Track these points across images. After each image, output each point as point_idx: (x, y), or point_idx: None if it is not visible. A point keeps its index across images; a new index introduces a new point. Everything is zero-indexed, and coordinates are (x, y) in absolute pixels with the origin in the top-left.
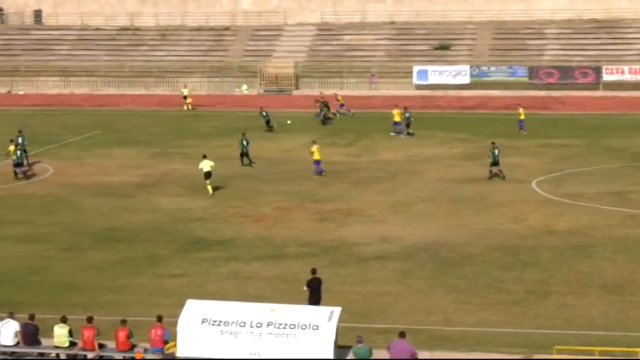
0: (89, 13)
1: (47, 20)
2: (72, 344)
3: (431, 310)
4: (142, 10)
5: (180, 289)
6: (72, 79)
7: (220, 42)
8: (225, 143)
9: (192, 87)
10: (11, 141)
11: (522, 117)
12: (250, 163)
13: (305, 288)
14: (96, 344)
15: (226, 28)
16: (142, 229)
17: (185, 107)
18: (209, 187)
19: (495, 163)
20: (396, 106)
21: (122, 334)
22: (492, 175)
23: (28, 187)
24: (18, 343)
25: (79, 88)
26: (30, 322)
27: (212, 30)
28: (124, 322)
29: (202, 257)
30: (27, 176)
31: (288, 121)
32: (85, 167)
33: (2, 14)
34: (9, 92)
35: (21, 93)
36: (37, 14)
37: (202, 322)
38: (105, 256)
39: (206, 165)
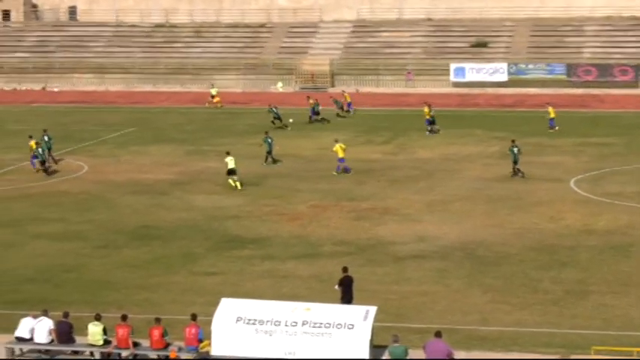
0: (124, 9)
1: (82, 17)
2: (106, 342)
3: (467, 310)
4: (177, 7)
5: (214, 287)
6: (107, 76)
7: (256, 39)
8: (258, 141)
9: (228, 84)
10: (30, 137)
11: (552, 115)
12: (274, 162)
13: (336, 287)
14: (130, 342)
15: (262, 25)
16: (177, 227)
17: (207, 104)
18: (237, 183)
19: (515, 162)
20: (425, 104)
21: (156, 333)
22: (514, 174)
23: (62, 184)
24: (52, 341)
25: (114, 85)
26: (64, 320)
27: (247, 27)
28: (158, 320)
29: (237, 255)
30: (48, 173)
31: (290, 120)
32: (119, 165)
33: (37, 11)
34: (44, 89)
35: (56, 90)
36: (72, 11)
37: (237, 320)
38: (139, 254)
39: (231, 162)
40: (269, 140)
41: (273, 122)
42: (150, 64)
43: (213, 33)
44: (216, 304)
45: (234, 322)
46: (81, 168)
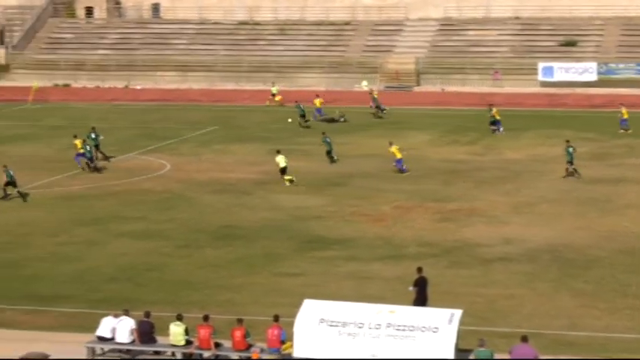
0: (208, 6)
1: (165, 14)
2: (188, 343)
3: (555, 314)
4: (261, 4)
5: (297, 288)
6: (189, 73)
7: (340, 37)
8: (345, 140)
9: (311, 83)
10: (75, 136)
11: (625, 116)
12: (333, 161)
13: (411, 288)
14: (212, 343)
15: (346, 23)
16: (260, 227)
17: (267, 102)
18: (287, 179)
19: (570, 162)
20: (489, 105)
21: (238, 334)
22: (568, 174)
23: (145, 182)
24: (134, 340)
25: (196, 83)
26: (146, 319)
27: (332, 25)
28: (240, 321)
29: (320, 256)
30: (97, 169)
31: (289, 120)
32: (202, 163)
33: (120, 8)
34: (126, 87)
35: (138, 87)
36: (155, 8)
37: (320, 322)
38: (222, 254)
39: (282, 160)
40: (327, 140)
41: (303, 119)
42: (233, 61)
43: (297, 31)
44: (298, 305)
45: (317, 323)
46: (163, 166)
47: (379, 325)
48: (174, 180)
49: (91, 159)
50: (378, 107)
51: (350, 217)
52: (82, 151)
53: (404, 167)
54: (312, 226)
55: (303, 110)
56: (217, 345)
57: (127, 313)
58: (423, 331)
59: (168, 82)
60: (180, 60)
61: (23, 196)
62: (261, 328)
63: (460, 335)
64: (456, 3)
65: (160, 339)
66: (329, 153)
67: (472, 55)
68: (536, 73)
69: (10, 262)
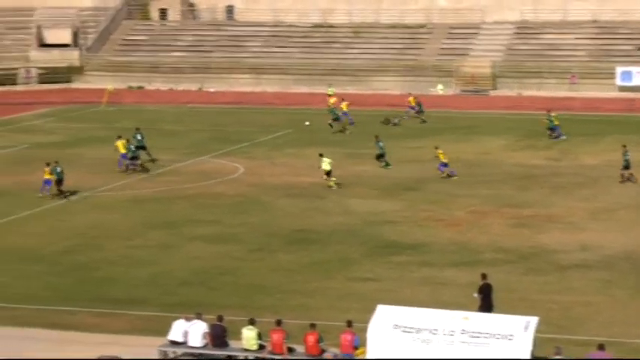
0: (282, 9)
1: (239, 16)
2: (260, 347)
3: (633, 322)
4: (335, 7)
5: (371, 293)
6: (264, 76)
7: (415, 40)
8: (419, 145)
9: (386, 86)
10: (119, 137)
11: None
12: (387, 165)
13: (475, 295)
14: (285, 348)
15: (422, 26)
16: (333, 232)
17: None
18: (331, 182)
19: (626, 167)
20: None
21: (311, 339)
22: (624, 180)
23: (218, 186)
24: (206, 344)
25: (270, 85)
26: (218, 323)
27: (407, 27)
28: (313, 326)
29: (394, 261)
30: (144, 168)
31: (307, 123)
32: (275, 167)
33: (194, 10)
34: (200, 89)
35: (212, 90)
36: (229, 10)
37: (394, 328)
38: (295, 258)
39: (325, 164)
40: (380, 144)
41: (336, 122)
42: (307, 64)
43: (371, 33)
44: (372, 310)
45: (390, 329)
46: (236, 170)
47: (453, 331)
48: (247, 184)
49: (133, 158)
50: (420, 112)
51: (424, 222)
52: (123, 152)
53: (452, 171)
54: (385, 231)
55: (336, 114)
56: (290, 350)
57: (199, 316)
58: (497, 338)
59: (242, 84)
60: (254, 63)
61: (66, 196)
62: (335, 333)
63: (536, 343)
64: (532, 6)
65: (232, 343)
66: (381, 157)
67: (549, 59)
68: (614, 78)
69: (82, 265)
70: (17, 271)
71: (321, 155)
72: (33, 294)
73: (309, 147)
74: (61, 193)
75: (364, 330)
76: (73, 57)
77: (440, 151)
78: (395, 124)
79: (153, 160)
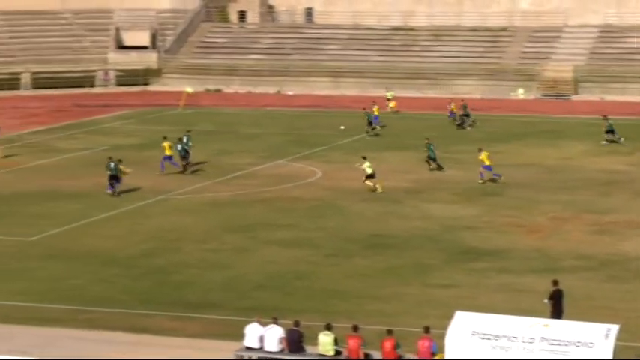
0: (362, 12)
1: (318, 18)
2: (337, 353)
3: None
4: (415, 10)
5: (449, 299)
6: (342, 79)
7: (496, 43)
8: (500, 149)
9: (467, 90)
10: (164, 138)
11: None
12: (439, 168)
13: (546, 300)
14: (361, 354)
15: (503, 29)
16: (411, 237)
17: (388, 108)
18: (378, 186)
19: None
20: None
21: (388, 345)
22: None
23: (295, 190)
24: (282, 349)
25: (349, 89)
26: (295, 328)
27: (488, 31)
28: (390, 332)
29: (472, 268)
30: (187, 166)
31: (342, 127)
32: (353, 171)
33: (273, 12)
34: (278, 92)
35: (290, 93)
36: (308, 12)
37: (472, 334)
38: (372, 263)
39: (368, 167)
40: (431, 146)
41: (370, 127)
42: (386, 68)
43: (452, 37)
44: (450, 317)
45: (468, 336)
46: (314, 174)
47: (532, 338)
48: (324, 188)
49: (184, 157)
50: (465, 115)
51: (504, 228)
52: (168, 154)
53: (495, 174)
54: (464, 237)
55: (370, 117)
56: (367, 356)
57: (275, 321)
58: (577, 346)
59: (320, 87)
60: (332, 66)
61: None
62: (412, 339)
63: (616, 351)
64: (616, 9)
65: (308, 348)
66: (432, 160)
67: (633, 64)
68: None
69: (159, 268)
70: (94, 273)
71: (364, 158)
72: (109, 297)
73: (387, 151)
74: (113, 188)
75: (442, 336)
76: (151, 59)
77: (484, 154)
78: (471, 127)
79: (186, 165)
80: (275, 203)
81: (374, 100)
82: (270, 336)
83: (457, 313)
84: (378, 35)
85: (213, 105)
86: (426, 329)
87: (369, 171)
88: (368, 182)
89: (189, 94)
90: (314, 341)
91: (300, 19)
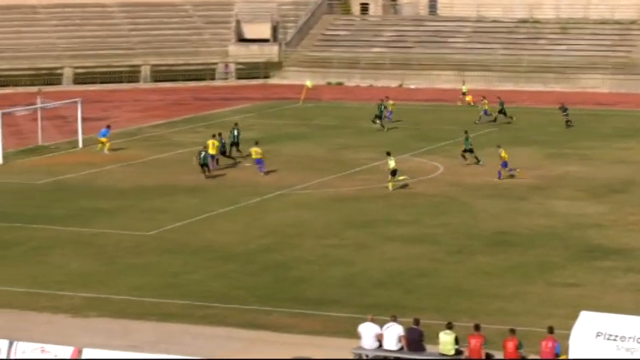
0: (486, 4)
1: (442, 11)
2: (457, 352)
3: None
4: (542, 2)
5: (573, 299)
6: (466, 73)
7: (626, 36)
8: (629, 145)
9: (594, 84)
10: (213, 136)
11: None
12: (477, 161)
13: None
14: (483, 354)
15: (633, 22)
16: (535, 234)
17: (459, 102)
18: (391, 184)
19: None
20: None
21: (511, 345)
22: None
23: (417, 185)
24: (402, 348)
25: (473, 83)
26: (415, 327)
27: (617, 23)
28: (512, 331)
29: (598, 266)
30: (229, 157)
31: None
32: (476, 166)
33: (396, 4)
34: (400, 86)
35: (412, 87)
36: (432, 5)
37: (597, 335)
38: (495, 261)
39: (392, 162)
40: (468, 139)
41: (379, 119)
42: (511, 61)
43: (579, 29)
44: (574, 317)
45: (593, 337)
46: (436, 169)
47: None
48: (447, 183)
49: (224, 152)
50: (502, 112)
51: (632, 226)
52: (212, 153)
53: (512, 169)
54: (590, 235)
55: (381, 111)
56: (488, 356)
57: (395, 319)
58: None
59: (443, 81)
60: (456, 59)
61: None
62: (535, 339)
63: None
64: None
65: (428, 347)
66: (468, 152)
67: None
68: None
69: (278, 264)
70: (211, 269)
71: (388, 154)
72: (227, 292)
73: (513, 146)
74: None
75: (566, 337)
76: (272, 52)
77: (503, 151)
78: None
79: (234, 159)
80: (396, 199)
81: (387, 95)
82: (389, 334)
83: (582, 313)
84: (503, 28)
85: (334, 99)
86: (550, 329)
87: (392, 166)
88: (392, 180)
89: (309, 89)
90: (434, 340)
91: (423, 11)
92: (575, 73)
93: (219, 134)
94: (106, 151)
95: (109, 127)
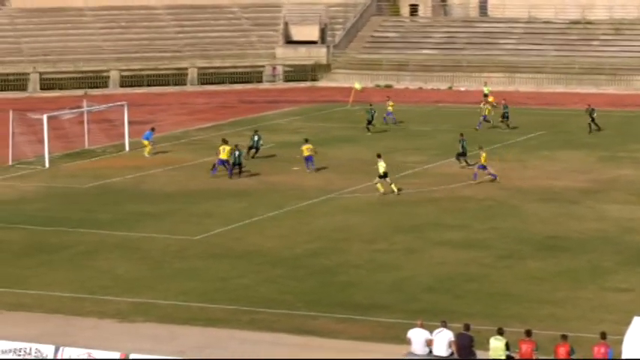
0: (538, 5)
1: (492, 12)
2: (509, 358)
3: None
4: (595, 3)
5: (625, 304)
6: (517, 75)
7: None
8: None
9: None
10: (224, 141)
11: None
12: (467, 165)
13: None
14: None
15: None
16: (586, 239)
17: (482, 104)
18: (380, 187)
19: None
20: None
21: (562, 350)
22: None
23: (466, 189)
24: (452, 353)
25: (524, 85)
26: (465, 332)
27: None
28: (564, 337)
29: None
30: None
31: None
32: (527, 170)
33: (445, 5)
34: (450, 88)
35: (462, 89)
36: (482, 5)
37: None
38: (545, 266)
39: (381, 166)
40: (464, 143)
41: (370, 124)
42: (563, 63)
43: (633, 30)
44: (627, 322)
45: None
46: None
47: None
48: (496, 187)
49: (235, 165)
50: (504, 116)
51: None
52: (223, 157)
53: (492, 174)
54: None
55: (372, 115)
56: None
57: (445, 324)
58: None
59: (494, 83)
60: (507, 61)
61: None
62: (587, 345)
63: None
64: None
65: (479, 353)
66: (461, 155)
67: None
68: None
69: (325, 269)
70: (258, 274)
71: (378, 156)
72: (274, 297)
73: (563, 149)
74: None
75: (619, 343)
76: (320, 54)
77: (484, 154)
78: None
79: (253, 156)
80: (445, 203)
81: (388, 96)
82: (439, 340)
83: (635, 318)
84: (555, 29)
85: (383, 102)
86: (603, 335)
87: (381, 169)
88: (378, 182)
89: (357, 91)
90: (485, 346)
91: (473, 12)
92: (629, 75)
93: (236, 146)
94: (146, 154)
95: (153, 129)
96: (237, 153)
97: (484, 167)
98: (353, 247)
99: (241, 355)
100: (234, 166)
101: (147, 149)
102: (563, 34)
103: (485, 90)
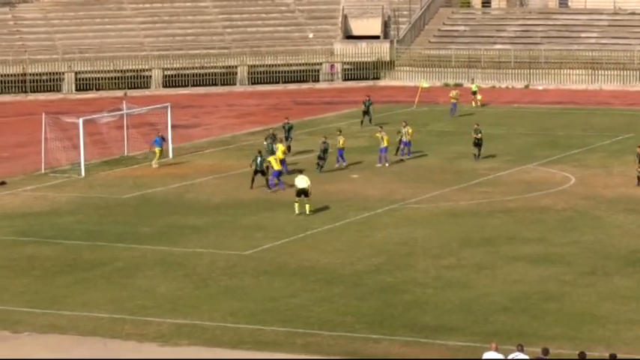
0: None
1: (574, 3)
2: None
3: None
4: None
5: None
6: (600, 72)
7: None
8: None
9: None
10: (259, 152)
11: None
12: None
13: None
14: None
15: None
16: None
17: (473, 104)
18: (297, 206)
19: None
20: None
21: None
22: None
23: (544, 198)
24: None
25: (608, 82)
26: (543, 357)
27: None
28: None
29: None
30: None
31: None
32: (611, 177)
33: None
34: (526, 87)
35: (540, 88)
36: None
37: None
38: (632, 284)
39: (301, 181)
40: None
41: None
42: None
43: None
44: None
45: None
46: (567, 180)
47: None
48: (578, 196)
49: (261, 171)
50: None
51: None
52: (277, 169)
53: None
54: None
55: (368, 107)
56: None
57: (521, 348)
58: None
59: (574, 81)
60: (589, 56)
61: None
62: None
63: None
64: None
65: None
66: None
67: None
68: None
69: (388, 287)
70: (314, 292)
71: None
72: (331, 319)
73: None
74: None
75: None
76: (382, 50)
77: (379, 134)
78: None
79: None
80: (521, 214)
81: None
82: None
83: None
84: None
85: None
86: None
87: (301, 185)
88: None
89: (423, 89)
90: None
91: (552, 3)
92: None
93: (259, 152)
94: (154, 164)
95: (163, 137)
96: (259, 159)
97: (409, 144)
98: (418, 262)
99: None
100: (255, 174)
101: (156, 157)
102: None
103: (473, 87)
